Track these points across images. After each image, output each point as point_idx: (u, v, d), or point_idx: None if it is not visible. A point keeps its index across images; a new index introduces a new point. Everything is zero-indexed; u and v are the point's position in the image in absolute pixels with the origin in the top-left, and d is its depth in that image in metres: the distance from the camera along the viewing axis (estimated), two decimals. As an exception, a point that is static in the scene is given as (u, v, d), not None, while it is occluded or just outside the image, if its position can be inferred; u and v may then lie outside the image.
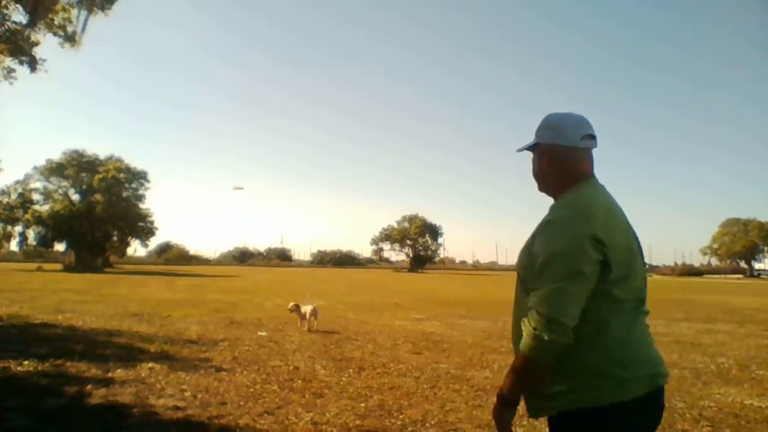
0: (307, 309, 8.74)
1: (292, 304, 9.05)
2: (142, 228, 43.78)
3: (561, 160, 1.65)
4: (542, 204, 1.68)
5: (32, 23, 11.00)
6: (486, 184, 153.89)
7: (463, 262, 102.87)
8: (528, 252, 1.59)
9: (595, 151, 1.69)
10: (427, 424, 3.93)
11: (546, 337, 1.39)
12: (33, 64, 11.63)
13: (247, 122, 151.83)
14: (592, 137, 1.66)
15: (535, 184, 1.75)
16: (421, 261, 68.02)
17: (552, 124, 1.68)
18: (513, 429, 1.68)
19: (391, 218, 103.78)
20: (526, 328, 1.45)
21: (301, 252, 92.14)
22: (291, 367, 5.72)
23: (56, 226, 39.14)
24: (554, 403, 1.50)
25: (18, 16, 11.11)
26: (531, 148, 1.74)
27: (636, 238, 1.62)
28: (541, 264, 1.47)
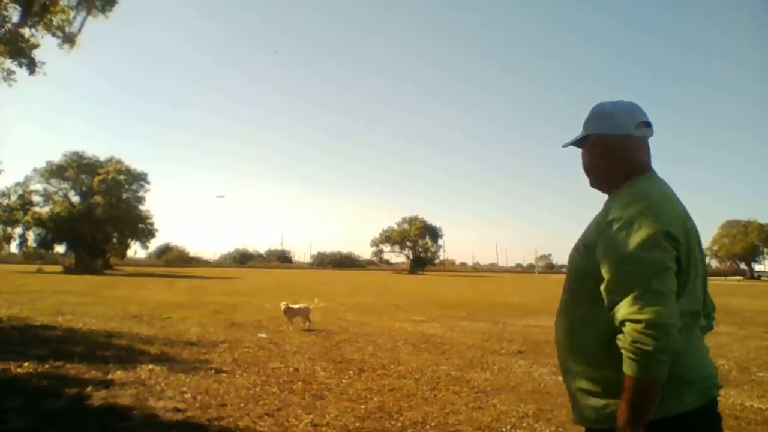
0: (300, 307, 9.11)
1: (283, 304, 9.18)
2: (142, 230, 43.79)
3: (615, 151, 1.53)
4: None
5: (25, 21, 10.99)
6: (486, 186, 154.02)
7: (463, 264, 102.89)
8: (584, 254, 1.48)
9: None
10: (427, 426, 3.93)
11: (651, 348, 1.23)
12: (32, 66, 11.63)
13: (247, 123, 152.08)
14: (648, 125, 1.54)
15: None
16: (421, 263, 67.95)
17: (602, 113, 1.57)
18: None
19: (391, 220, 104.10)
20: (624, 345, 1.28)
21: (301, 254, 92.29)
22: (291, 369, 5.71)
23: (56, 227, 39.13)
24: (609, 417, 1.37)
25: (18, 17, 11.13)
26: (580, 141, 1.62)
27: (699, 241, 1.50)
28: (616, 268, 1.34)
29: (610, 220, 1.41)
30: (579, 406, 1.49)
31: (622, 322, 1.30)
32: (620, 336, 1.31)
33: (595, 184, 1.63)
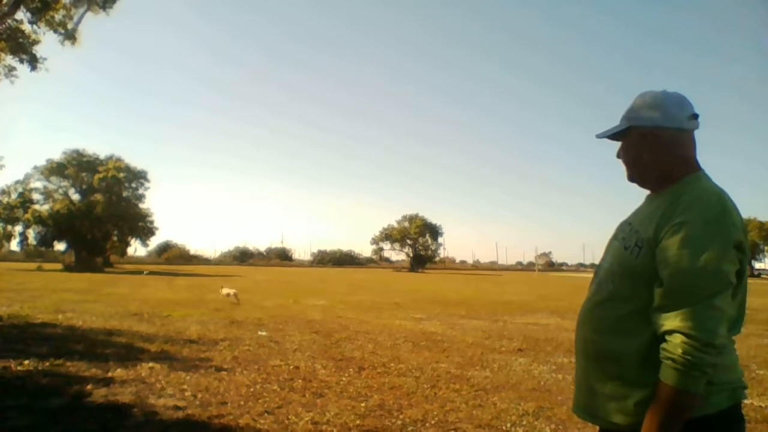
0: (230, 291, 12.95)
1: (225, 290, 13.06)
2: (142, 228, 43.80)
3: (668, 144, 1.45)
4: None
5: (17, 8, 10.93)
6: (487, 184, 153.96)
7: (463, 262, 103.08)
8: (636, 251, 1.39)
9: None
10: (427, 424, 3.93)
11: (702, 364, 1.21)
12: (33, 62, 11.64)
13: (247, 122, 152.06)
14: (696, 116, 1.46)
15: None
16: (422, 261, 68.03)
17: (653, 104, 1.47)
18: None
19: (391, 218, 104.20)
20: (671, 355, 1.23)
21: (302, 251, 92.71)
22: (291, 367, 5.72)
23: (56, 225, 39.14)
24: (634, 417, 1.34)
25: (19, 14, 11.11)
26: (621, 132, 1.53)
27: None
28: (682, 275, 1.27)
29: (681, 222, 1.31)
30: (603, 408, 1.42)
31: (670, 332, 1.25)
32: (666, 345, 1.26)
33: (636, 178, 1.54)
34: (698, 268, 1.26)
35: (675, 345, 1.23)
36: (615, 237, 1.56)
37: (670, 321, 1.26)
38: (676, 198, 1.38)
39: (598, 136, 1.59)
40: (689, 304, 1.24)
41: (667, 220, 1.34)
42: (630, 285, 1.40)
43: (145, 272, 16.58)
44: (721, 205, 1.33)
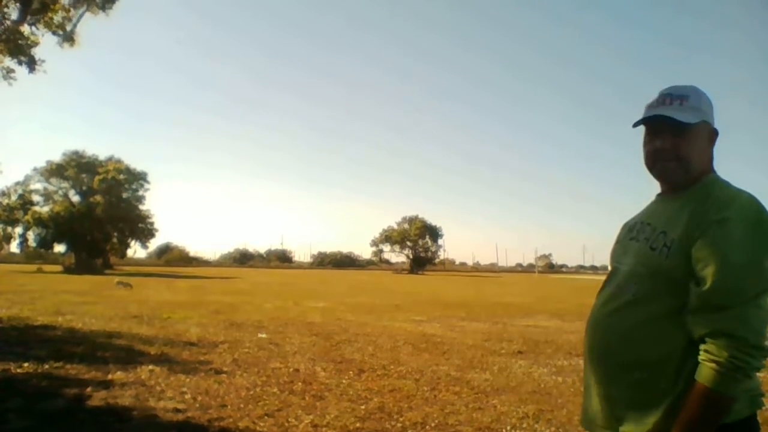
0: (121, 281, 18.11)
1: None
2: (142, 229, 43.77)
3: (711, 143, 1.44)
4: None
5: (24, 18, 10.93)
6: (487, 185, 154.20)
7: (463, 264, 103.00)
8: (666, 252, 1.34)
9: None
10: (427, 427, 3.93)
11: (747, 366, 1.17)
12: (32, 64, 11.61)
13: (246, 122, 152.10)
14: None
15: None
16: (421, 262, 67.93)
17: (707, 100, 1.43)
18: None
19: (391, 219, 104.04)
20: (714, 357, 1.19)
21: (302, 253, 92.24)
22: (291, 370, 5.71)
23: (56, 227, 39.10)
24: (655, 427, 1.31)
25: (17, 14, 11.10)
26: (649, 120, 1.45)
27: None
28: (727, 274, 1.22)
29: (721, 219, 1.26)
30: (621, 418, 1.38)
31: (713, 334, 1.21)
32: (709, 347, 1.21)
33: (679, 174, 1.43)
34: (744, 266, 1.22)
35: (720, 348, 1.19)
36: (634, 238, 1.49)
37: (713, 322, 1.22)
38: (704, 197, 1.34)
39: (667, 116, 1.40)
40: (734, 304, 1.20)
41: (701, 219, 1.30)
42: (656, 286, 1.36)
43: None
44: (756, 205, 1.30)
